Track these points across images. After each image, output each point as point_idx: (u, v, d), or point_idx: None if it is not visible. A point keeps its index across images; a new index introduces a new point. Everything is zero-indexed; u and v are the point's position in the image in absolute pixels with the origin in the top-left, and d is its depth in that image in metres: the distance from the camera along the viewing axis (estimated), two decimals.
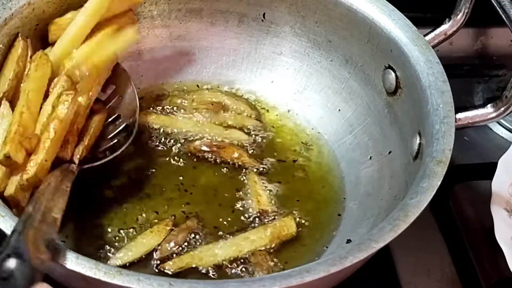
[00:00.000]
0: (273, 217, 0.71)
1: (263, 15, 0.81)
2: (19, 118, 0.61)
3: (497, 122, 0.91)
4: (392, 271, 0.73)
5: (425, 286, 0.73)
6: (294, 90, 0.83)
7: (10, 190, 0.60)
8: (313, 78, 0.82)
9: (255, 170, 0.75)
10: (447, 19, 0.76)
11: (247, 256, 0.66)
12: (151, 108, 0.80)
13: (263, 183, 0.74)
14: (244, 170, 0.75)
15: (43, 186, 0.59)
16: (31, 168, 0.60)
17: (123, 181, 0.72)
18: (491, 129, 0.91)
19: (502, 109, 0.67)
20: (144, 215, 0.69)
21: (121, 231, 0.68)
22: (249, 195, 0.72)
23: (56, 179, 0.61)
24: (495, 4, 0.67)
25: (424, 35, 0.74)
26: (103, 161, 0.68)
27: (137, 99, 0.73)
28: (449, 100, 0.66)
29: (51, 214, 0.55)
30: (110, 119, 0.72)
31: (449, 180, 0.61)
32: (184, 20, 0.82)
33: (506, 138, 0.90)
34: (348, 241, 0.68)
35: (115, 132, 0.71)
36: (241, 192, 0.73)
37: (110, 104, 0.73)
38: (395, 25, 0.73)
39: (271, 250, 0.67)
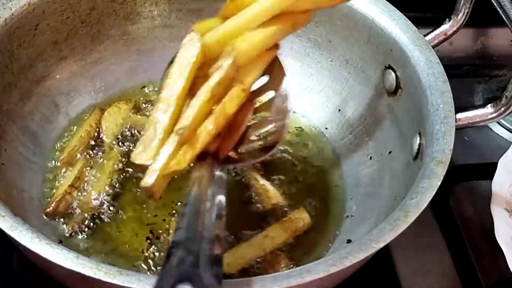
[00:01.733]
0: (285, 210, 0.71)
1: None
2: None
3: (497, 122, 0.91)
4: (392, 271, 0.73)
5: (425, 286, 0.73)
6: (294, 90, 0.83)
7: (149, 180, 0.52)
8: (313, 78, 0.82)
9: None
10: (447, 19, 0.76)
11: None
12: None
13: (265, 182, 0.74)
14: (246, 170, 0.75)
15: (197, 192, 0.52)
16: (183, 160, 0.53)
17: (131, 189, 0.72)
18: (491, 129, 0.91)
19: (502, 109, 0.67)
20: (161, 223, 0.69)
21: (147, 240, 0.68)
22: (257, 193, 0.72)
23: (206, 185, 0.53)
24: (495, 4, 0.67)
25: (424, 35, 0.74)
26: (247, 163, 0.62)
27: (289, 100, 0.63)
28: (449, 100, 0.66)
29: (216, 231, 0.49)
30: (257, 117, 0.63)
31: (449, 180, 0.61)
32: (185, 20, 0.82)
33: (506, 138, 0.90)
34: (348, 241, 0.68)
35: (260, 132, 0.63)
36: (250, 192, 0.73)
37: (260, 98, 0.63)
38: (395, 25, 0.73)
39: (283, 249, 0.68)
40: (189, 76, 0.55)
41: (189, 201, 0.51)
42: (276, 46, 0.62)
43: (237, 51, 0.56)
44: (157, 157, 0.53)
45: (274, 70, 0.63)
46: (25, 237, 0.52)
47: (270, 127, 0.63)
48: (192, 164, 0.54)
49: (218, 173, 0.56)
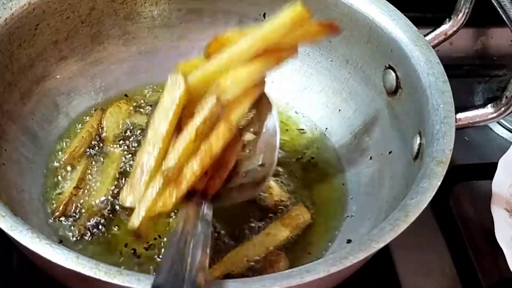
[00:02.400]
0: (286, 208, 0.71)
1: (264, 15, 0.81)
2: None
3: (497, 122, 0.91)
4: (392, 271, 0.73)
5: (425, 286, 0.73)
6: (294, 90, 0.83)
7: (135, 222, 0.54)
8: (313, 78, 0.82)
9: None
10: (447, 19, 0.76)
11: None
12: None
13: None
14: None
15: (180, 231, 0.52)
16: (168, 201, 0.55)
17: None
18: (491, 129, 0.91)
19: (503, 109, 0.67)
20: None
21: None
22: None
23: (194, 226, 0.53)
24: (495, 4, 0.67)
25: (424, 35, 0.74)
26: (236, 201, 0.62)
27: (279, 134, 0.64)
28: (450, 100, 0.66)
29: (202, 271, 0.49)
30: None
31: (449, 180, 0.61)
32: (185, 20, 0.82)
33: (506, 138, 0.90)
34: (348, 241, 0.68)
35: (249, 169, 0.63)
36: None
37: (247, 133, 0.64)
38: (395, 25, 0.73)
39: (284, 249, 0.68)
40: (173, 118, 0.57)
41: (173, 242, 0.51)
42: (262, 82, 0.63)
43: (221, 89, 0.57)
44: (143, 199, 0.54)
45: (261, 105, 0.64)
46: (25, 237, 0.52)
47: (258, 163, 0.63)
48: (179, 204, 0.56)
49: (205, 211, 0.56)
